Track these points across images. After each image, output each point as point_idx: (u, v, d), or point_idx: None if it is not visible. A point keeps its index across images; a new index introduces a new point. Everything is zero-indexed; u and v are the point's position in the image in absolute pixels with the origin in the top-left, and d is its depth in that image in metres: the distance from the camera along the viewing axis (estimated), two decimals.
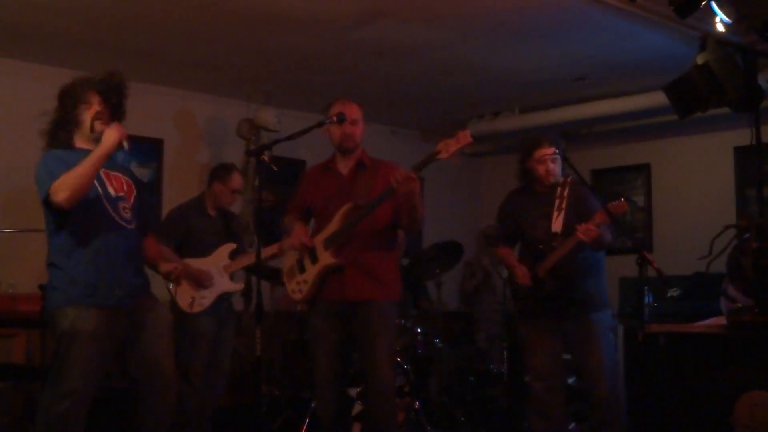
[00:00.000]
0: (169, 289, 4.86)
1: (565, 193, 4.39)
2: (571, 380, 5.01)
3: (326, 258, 3.92)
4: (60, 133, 3.61)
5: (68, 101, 3.63)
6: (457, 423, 5.71)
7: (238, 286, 5.14)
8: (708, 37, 4.22)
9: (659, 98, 4.99)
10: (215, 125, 6.68)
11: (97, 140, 3.50)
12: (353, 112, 4.00)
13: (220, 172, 5.12)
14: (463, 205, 8.18)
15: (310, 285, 3.97)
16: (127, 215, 3.60)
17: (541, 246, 4.34)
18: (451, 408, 5.85)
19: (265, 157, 4.15)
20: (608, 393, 4.29)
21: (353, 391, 5.01)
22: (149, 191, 5.83)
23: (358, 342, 3.94)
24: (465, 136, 3.63)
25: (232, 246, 5.06)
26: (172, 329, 3.89)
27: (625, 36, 5.32)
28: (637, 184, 7.28)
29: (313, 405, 5.21)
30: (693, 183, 7.01)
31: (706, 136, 6.88)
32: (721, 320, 4.15)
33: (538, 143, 4.44)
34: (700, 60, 4.17)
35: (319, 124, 3.94)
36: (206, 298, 4.89)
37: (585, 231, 4.07)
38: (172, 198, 5.99)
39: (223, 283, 4.97)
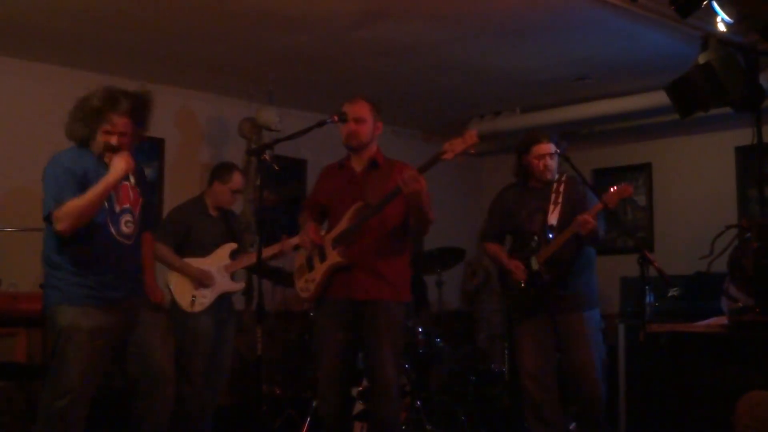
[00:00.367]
0: (169, 289, 4.87)
1: (561, 188, 4.42)
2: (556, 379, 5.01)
3: (333, 257, 3.92)
4: (79, 131, 3.58)
5: (91, 116, 3.54)
6: (457, 422, 5.71)
7: (239, 285, 5.14)
8: (709, 36, 4.21)
9: (660, 98, 4.98)
10: (216, 124, 6.68)
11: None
12: (357, 110, 3.99)
13: (220, 171, 5.12)
14: (464, 204, 8.18)
15: (317, 283, 3.97)
16: (129, 230, 3.61)
17: (536, 238, 4.36)
18: (452, 407, 5.84)
19: (267, 157, 4.15)
20: (597, 391, 4.30)
21: (354, 391, 5.01)
22: (151, 189, 5.83)
23: (364, 341, 3.93)
24: (471, 136, 3.63)
25: (232, 246, 5.06)
26: (172, 329, 3.92)
27: (627, 36, 5.32)
28: (639, 184, 7.27)
29: (314, 404, 5.21)
30: (694, 183, 7.00)
31: (708, 136, 6.88)
32: (723, 320, 4.15)
33: (537, 140, 4.46)
34: (701, 60, 4.17)
35: (320, 124, 3.94)
36: (207, 298, 4.89)
37: (583, 221, 4.09)
38: (173, 197, 5.98)
39: (224, 283, 4.97)
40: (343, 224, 3.95)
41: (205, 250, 4.98)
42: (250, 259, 5.01)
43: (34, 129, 5.65)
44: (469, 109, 7.31)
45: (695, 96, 4.24)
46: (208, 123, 6.66)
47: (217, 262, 4.98)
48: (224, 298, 5.01)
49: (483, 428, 5.87)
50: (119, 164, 3.48)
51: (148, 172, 6.22)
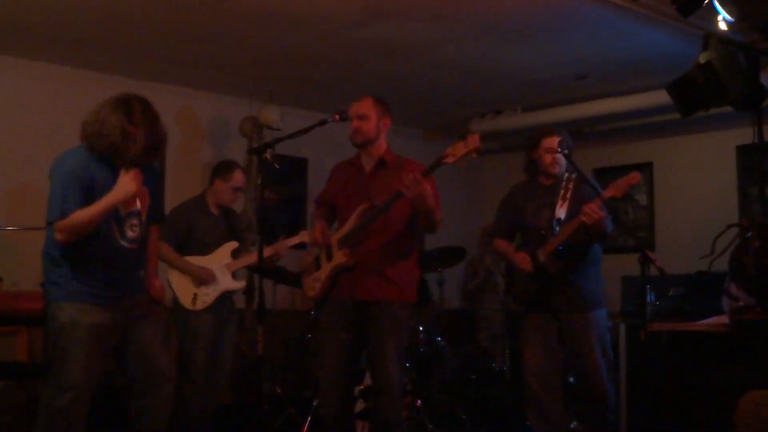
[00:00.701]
0: (171, 287, 4.87)
1: (570, 185, 4.42)
2: (572, 379, 5.01)
3: (339, 257, 3.93)
4: (93, 140, 3.49)
5: (108, 149, 3.47)
6: (458, 421, 5.71)
7: (240, 284, 5.14)
8: (710, 35, 4.20)
9: (661, 97, 4.98)
10: (218, 123, 6.68)
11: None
12: (360, 107, 3.99)
13: (222, 169, 5.12)
14: (465, 203, 8.17)
15: (323, 283, 3.97)
16: (135, 234, 3.60)
17: (543, 232, 4.36)
18: (452, 406, 5.84)
19: (268, 155, 4.15)
20: (604, 392, 4.30)
21: (355, 389, 5.01)
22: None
23: (367, 341, 3.92)
24: (474, 141, 3.62)
25: (234, 244, 5.07)
26: (174, 327, 3.92)
27: (628, 34, 5.31)
28: (640, 183, 7.25)
29: (314, 403, 5.21)
30: (695, 182, 7.00)
31: (709, 135, 6.88)
32: (724, 319, 4.15)
33: (547, 132, 4.48)
34: (702, 59, 4.16)
35: (321, 123, 3.94)
36: (208, 296, 4.90)
37: (589, 210, 4.07)
38: (174, 196, 5.98)
39: (226, 281, 4.98)
40: (349, 225, 3.95)
41: (206, 248, 4.99)
42: (251, 257, 5.02)
43: (36, 128, 5.66)
44: (470, 108, 7.31)
45: (696, 95, 4.23)
46: (209, 122, 6.66)
47: (219, 260, 4.98)
48: (226, 297, 5.02)
49: (484, 427, 5.87)
50: (126, 186, 3.44)
51: None
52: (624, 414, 5.66)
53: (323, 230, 4.04)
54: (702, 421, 3.98)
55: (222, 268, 4.97)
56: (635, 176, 4.18)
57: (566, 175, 4.47)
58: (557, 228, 4.33)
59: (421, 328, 5.75)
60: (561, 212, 4.35)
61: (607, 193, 4.16)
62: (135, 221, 3.60)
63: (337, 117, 3.93)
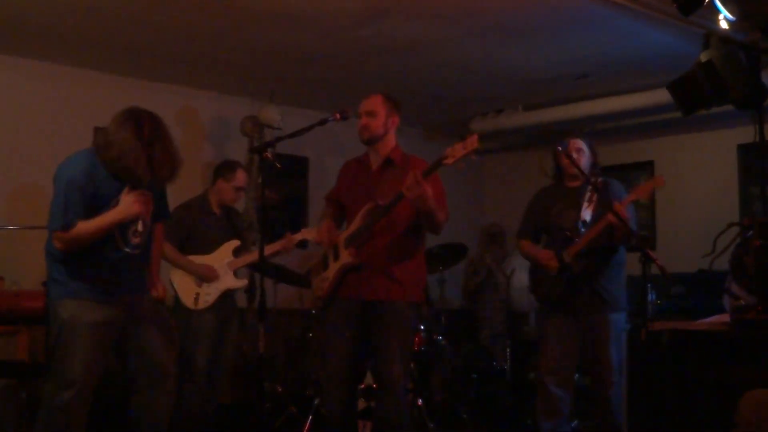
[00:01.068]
0: (173, 286, 4.87)
1: (596, 188, 4.43)
2: (576, 375, 5.02)
3: (345, 257, 3.93)
4: (108, 163, 3.46)
5: (120, 171, 3.43)
6: (460, 421, 5.72)
7: (241, 282, 5.15)
8: (711, 34, 4.20)
9: (662, 96, 4.98)
10: (219, 123, 6.68)
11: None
12: (369, 104, 4.00)
13: (223, 169, 5.13)
14: (466, 202, 8.16)
15: (329, 282, 3.97)
16: (138, 239, 3.60)
17: (568, 233, 4.37)
18: (454, 406, 5.85)
19: (269, 155, 4.15)
20: (610, 392, 4.31)
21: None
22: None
23: (372, 340, 3.91)
24: (473, 142, 3.61)
25: (235, 243, 5.07)
26: (175, 325, 3.91)
27: (629, 34, 5.31)
28: (641, 182, 7.25)
29: (315, 402, 5.22)
30: (696, 180, 7.00)
31: (710, 134, 6.87)
32: (725, 318, 4.14)
33: (570, 134, 4.51)
34: (703, 58, 4.15)
35: (322, 122, 3.95)
36: (210, 295, 4.90)
37: (617, 210, 4.08)
38: (175, 196, 5.95)
39: (227, 280, 4.98)
40: (355, 224, 3.95)
41: (208, 247, 4.99)
42: (253, 256, 5.02)
43: (37, 127, 5.66)
44: (471, 107, 7.30)
45: (697, 94, 4.23)
46: (210, 121, 6.66)
47: (221, 259, 4.99)
48: (227, 297, 5.02)
49: (485, 426, 5.88)
50: (129, 208, 3.44)
51: None
52: (625, 413, 5.66)
53: (330, 229, 4.04)
54: (703, 420, 3.98)
55: (224, 267, 4.98)
56: (660, 179, 4.19)
57: (591, 178, 4.48)
58: (582, 229, 4.34)
59: (422, 327, 5.76)
60: (586, 214, 4.37)
61: (632, 196, 4.19)
62: (139, 228, 3.60)
63: (338, 116, 3.93)
